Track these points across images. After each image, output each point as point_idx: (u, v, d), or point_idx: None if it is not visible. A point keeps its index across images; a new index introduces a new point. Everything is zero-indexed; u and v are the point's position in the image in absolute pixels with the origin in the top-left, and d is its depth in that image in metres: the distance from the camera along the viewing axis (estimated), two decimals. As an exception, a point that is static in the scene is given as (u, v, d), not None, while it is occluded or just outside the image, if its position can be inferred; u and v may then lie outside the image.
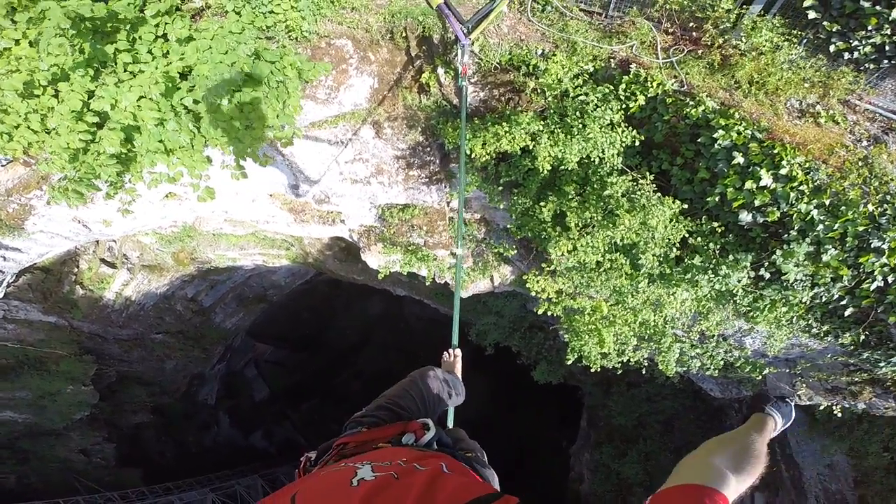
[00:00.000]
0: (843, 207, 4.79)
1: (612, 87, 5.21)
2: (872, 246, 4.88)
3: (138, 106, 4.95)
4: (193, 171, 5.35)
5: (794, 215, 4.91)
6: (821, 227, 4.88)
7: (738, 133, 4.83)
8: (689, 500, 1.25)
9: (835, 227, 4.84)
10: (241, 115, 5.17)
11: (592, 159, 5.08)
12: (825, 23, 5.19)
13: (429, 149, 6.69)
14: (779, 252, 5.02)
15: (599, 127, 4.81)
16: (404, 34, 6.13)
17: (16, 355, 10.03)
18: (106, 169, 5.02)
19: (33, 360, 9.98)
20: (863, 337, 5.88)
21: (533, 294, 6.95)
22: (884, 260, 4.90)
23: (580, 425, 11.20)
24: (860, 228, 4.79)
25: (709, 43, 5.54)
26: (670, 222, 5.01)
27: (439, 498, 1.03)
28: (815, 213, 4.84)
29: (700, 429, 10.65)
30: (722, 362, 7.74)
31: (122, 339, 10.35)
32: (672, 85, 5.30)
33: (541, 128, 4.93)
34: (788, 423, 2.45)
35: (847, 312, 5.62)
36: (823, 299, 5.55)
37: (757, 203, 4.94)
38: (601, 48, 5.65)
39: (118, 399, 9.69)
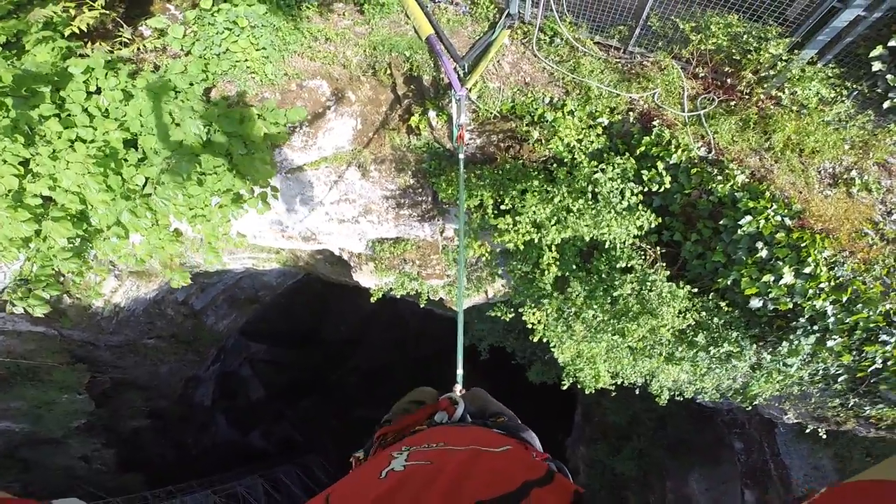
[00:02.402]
0: (861, 305, 4.38)
1: (629, 158, 4.52)
2: (881, 339, 4.57)
3: (82, 186, 4.31)
4: (162, 251, 4.81)
5: (807, 308, 4.52)
6: (832, 319, 4.52)
7: (767, 219, 4.26)
8: (876, 500, 0.85)
9: (846, 321, 4.49)
10: (203, 191, 4.53)
11: (602, 241, 4.54)
12: (889, 76, 4.42)
13: (420, 189, 6.04)
14: (784, 344, 4.70)
15: (615, 213, 4.22)
16: (388, 70, 5.27)
17: (8, 366, 9.93)
18: (63, 263, 4.48)
19: (25, 371, 9.90)
20: (853, 393, 5.83)
21: (529, 326, 6.67)
22: (888, 349, 4.64)
23: (574, 419, 11.45)
24: (872, 325, 4.44)
25: (744, 92, 4.77)
26: (679, 315, 4.59)
27: (468, 486, 0.94)
28: (829, 308, 4.45)
29: (693, 426, 10.87)
30: (716, 393, 7.70)
31: (114, 346, 10.20)
32: (698, 150, 4.61)
33: (548, 214, 4.32)
34: None
35: (840, 380, 5.48)
36: (820, 373, 5.37)
37: (772, 295, 4.50)
38: (619, 95, 4.86)
39: (114, 405, 9.73)
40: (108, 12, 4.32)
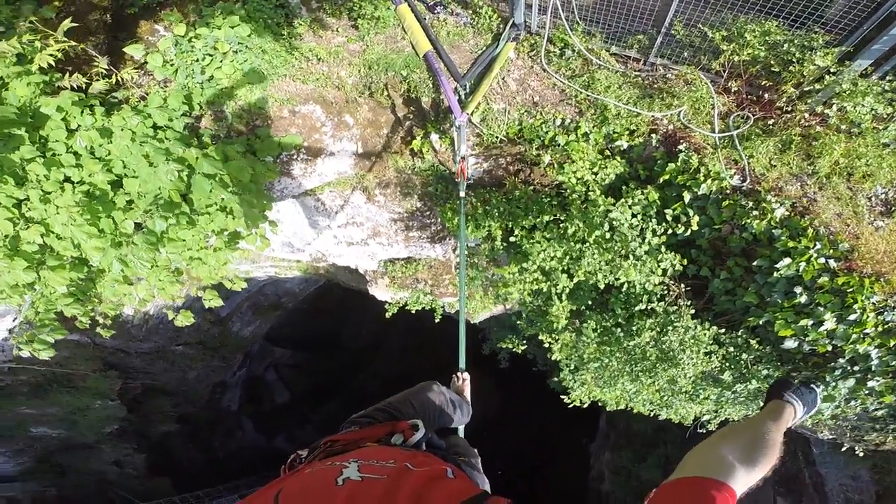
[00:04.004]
0: None
1: (651, 192, 4.05)
2: None
3: (72, 231, 4.22)
4: (163, 292, 4.73)
5: (848, 350, 4.01)
6: (876, 361, 4.01)
7: (809, 261, 3.74)
8: (694, 495, 1.19)
9: (892, 363, 3.97)
10: (196, 232, 4.38)
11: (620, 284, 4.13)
12: (956, 88, 3.75)
13: (428, 212, 5.73)
14: (820, 389, 4.23)
15: (634, 258, 3.79)
16: (386, 92, 4.92)
17: (44, 373, 10.39)
18: (67, 309, 4.47)
19: (60, 378, 10.34)
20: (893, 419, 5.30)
21: (546, 345, 6.36)
22: None
23: (599, 424, 11.09)
24: None
25: (784, 108, 4.17)
26: (706, 356, 4.16)
27: (431, 500, 0.99)
28: (873, 352, 3.93)
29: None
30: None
31: (144, 353, 10.51)
32: (731, 178, 4.08)
33: (559, 256, 3.94)
34: (812, 412, 2.27)
35: (880, 413, 4.96)
36: (858, 409, 4.86)
37: (809, 338, 4.00)
38: (639, 115, 4.36)
39: (144, 410, 10.08)
40: (75, 44, 4.12)
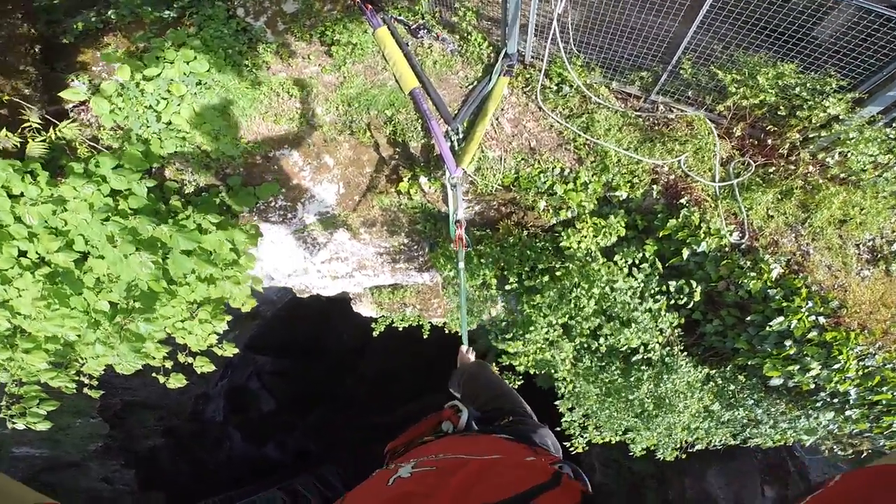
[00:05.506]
0: (886, 388, 4.04)
1: (654, 259, 3.95)
2: None
3: (43, 315, 3.86)
4: (150, 359, 4.46)
5: (829, 387, 4.19)
6: (854, 397, 4.23)
7: (801, 320, 3.78)
8: (881, 486, 0.79)
9: (868, 398, 4.19)
10: (178, 302, 4.08)
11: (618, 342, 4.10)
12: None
13: (416, 246, 5.49)
14: (802, 420, 4.46)
15: (636, 325, 3.74)
16: (368, 132, 4.55)
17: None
18: (51, 381, 4.17)
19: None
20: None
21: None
22: None
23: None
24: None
25: (786, 155, 4.06)
26: (696, 401, 4.26)
27: (477, 491, 0.95)
28: (853, 391, 4.12)
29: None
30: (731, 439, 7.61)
31: (119, 367, 10.10)
32: (730, 235, 4.00)
33: (561, 320, 3.85)
34: None
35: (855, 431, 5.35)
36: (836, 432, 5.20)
37: (795, 379, 4.14)
38: (641, 162, 4.17)
39: (128, 426, 9.79)
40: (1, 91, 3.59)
